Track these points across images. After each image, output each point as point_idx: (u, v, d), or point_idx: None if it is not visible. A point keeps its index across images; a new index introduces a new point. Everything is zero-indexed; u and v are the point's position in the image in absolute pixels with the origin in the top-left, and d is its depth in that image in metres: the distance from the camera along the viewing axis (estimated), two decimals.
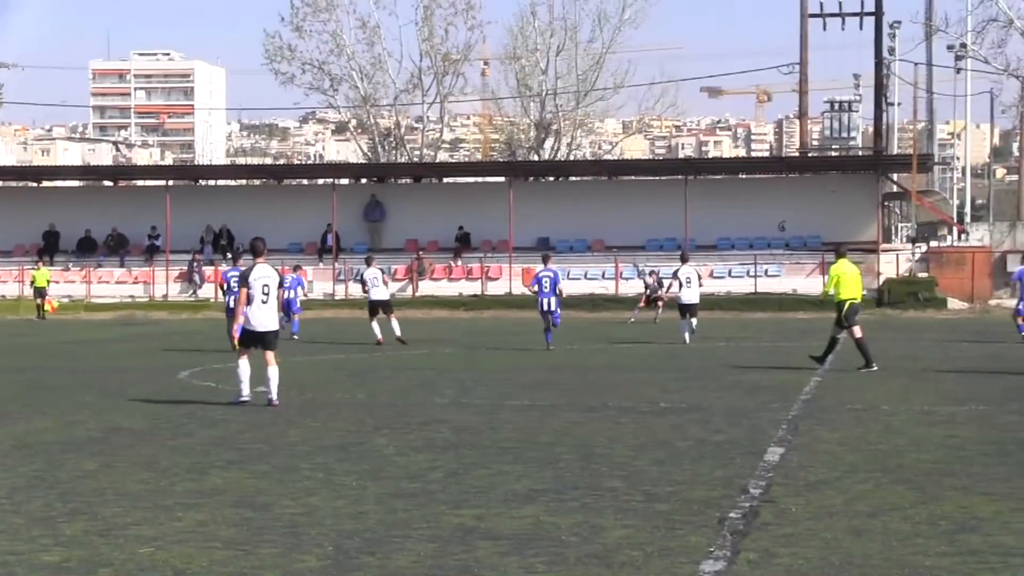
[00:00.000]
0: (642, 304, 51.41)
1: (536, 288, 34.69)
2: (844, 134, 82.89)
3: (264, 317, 20.60)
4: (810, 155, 76.95)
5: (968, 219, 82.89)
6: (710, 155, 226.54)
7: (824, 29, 74.58)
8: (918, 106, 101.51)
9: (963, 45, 76.53)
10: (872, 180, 63.16)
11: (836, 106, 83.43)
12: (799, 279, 59.30)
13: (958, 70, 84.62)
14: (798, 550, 10.20)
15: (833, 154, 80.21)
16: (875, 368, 26.23)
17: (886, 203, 68.95)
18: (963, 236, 64.68)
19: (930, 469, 14.01)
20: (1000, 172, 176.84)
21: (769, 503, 12.13)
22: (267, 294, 20.55)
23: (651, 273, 53.23)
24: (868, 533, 10.81)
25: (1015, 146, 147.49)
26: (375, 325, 36.65)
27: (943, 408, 19.85)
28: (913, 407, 19.94)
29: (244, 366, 20.60)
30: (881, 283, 58.30)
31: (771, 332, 40.67)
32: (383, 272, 39.77)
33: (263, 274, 20.65)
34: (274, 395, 20.32)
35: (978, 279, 58.82)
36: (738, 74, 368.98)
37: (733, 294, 58.57)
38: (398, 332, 35.84)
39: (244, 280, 20.66)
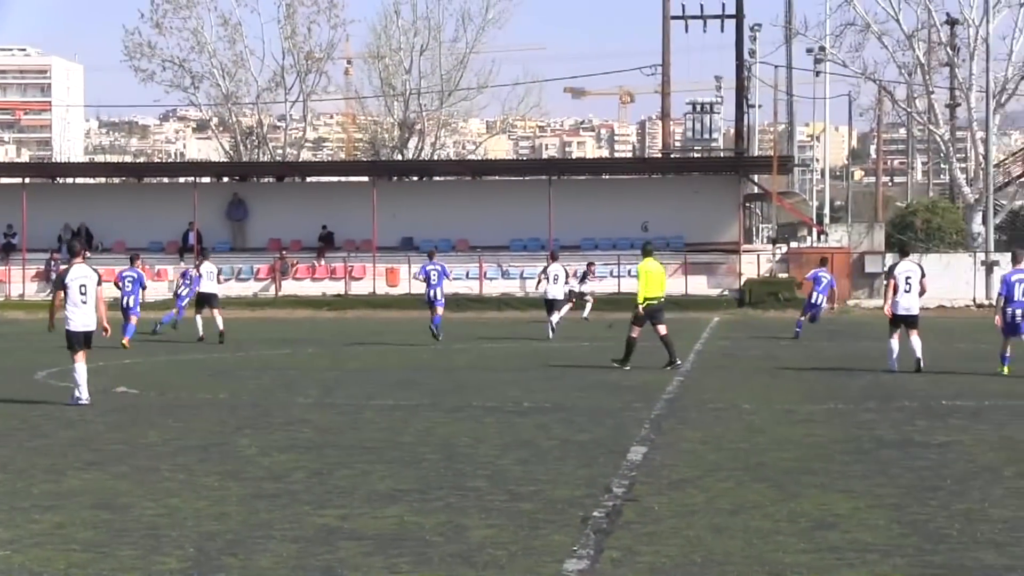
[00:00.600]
0: (570, 304, 51.20)
1: (423, 278, 36.89)
2: (706, 135, 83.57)
3: (84, 317, 20.51)
4: (673, 156, 77.56)
5: (827, 220, 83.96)
6: (574, 155, 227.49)
7: (686, 31, 75.28)
8: (778, 108, 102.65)
9: (822, 48, 77.53)
10: (733, 181, 63.80)
11: (698, 108, 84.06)
12: None
13: (817, 73, 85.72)
14: (660, 548, 10.26)
15: (695, 155, 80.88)
16: (679, 363, 26.78)
17: (747, 204, 69.64)
18: (822, 237, 65.51)
19: (790, 467, 14.17)
20: (858, 174, 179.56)
21: (632, 502, 12.19)
22: (84, 294, 20.45)
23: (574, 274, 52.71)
24: (729, 531, 10.90)
25: (872, 148, 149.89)
26: (199, 320, 37.30)
27: (803, 407, 20.09)
28: (774, 406, 20.16)
29: (80, 369, 20.38)
30: (742, 283, 58.90)
31: (625, 331, 40.81)
32: (219, 269, 40.46)
33: (80, 274, 20.59)
34: (83, 395, 20.17)
35: (837, 280, 59.53)
36: (601, 75, 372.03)
37: (597, 294, 58.82)
38: (221, 326, 36.23)
39: (60, 282, 20.61)
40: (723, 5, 72.69)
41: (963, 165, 74.75)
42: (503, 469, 14.13)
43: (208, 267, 38.33)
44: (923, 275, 26.73)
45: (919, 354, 25.87)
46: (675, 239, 61.85)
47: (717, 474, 13.76)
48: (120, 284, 35.67)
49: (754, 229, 78.42)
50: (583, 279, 51.50)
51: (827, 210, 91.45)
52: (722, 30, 74.04)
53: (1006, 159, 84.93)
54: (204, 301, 37.65)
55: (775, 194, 66.50)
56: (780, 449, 15.51)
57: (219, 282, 39.54)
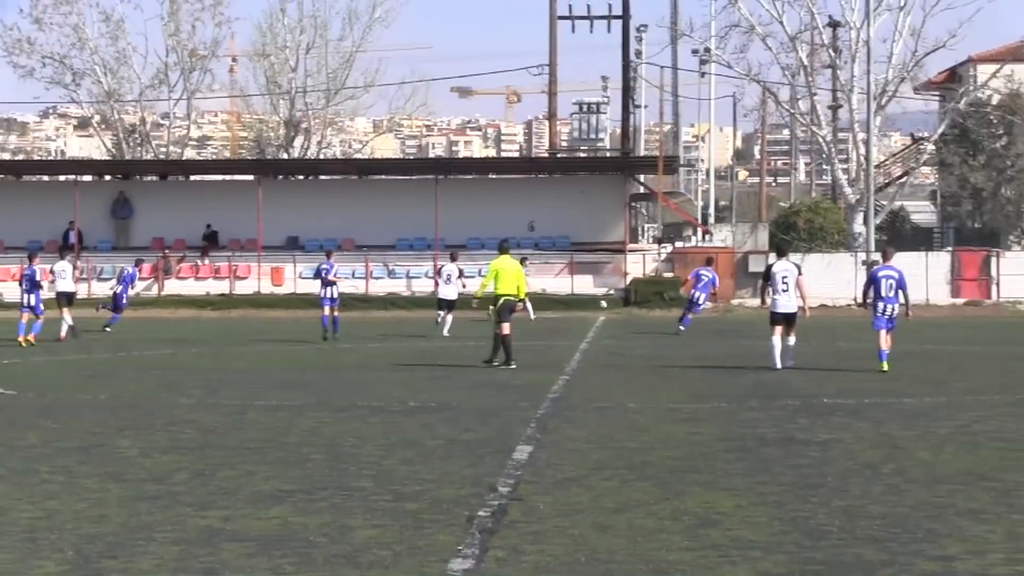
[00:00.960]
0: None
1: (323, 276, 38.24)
2: (592, 136, 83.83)
3: None
4: (559, 156, 77.74)
5: (712, 220, 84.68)
6: (460, 155, 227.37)
7: (573, 31, 75.58)
8: (664, 109, 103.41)
9: (707, 50, 78.16)
10: (620, 181, 64.10)
11: (584, 108, 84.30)
12: (548, 279, 59.82)
13: (702, 74, 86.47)
14: (545, 547, 10.27)
15: (582, 155, 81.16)
16: (513, 366, 26.68)
17: (633, 204, 70.03)
18: (707, 237, 66.03)
19: (674, 466, 14.24)
20: (742, 174, 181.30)
21: (518, 501, 12.20)
22: None
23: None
24: (613, 529, 10.94)
25: (756, 149, 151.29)
26: (67, 317, 37.14)
27: (687, 405, 20.22)
28: (658, 405, 20.27)
29: None
30: (628, 283, 59.22)
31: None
32: (73, 267, 40.21)
33: None
34: None
35: (721, 279, 60.00)
36: (488, 75, 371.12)
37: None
38: (69, 322, 36.36)
39: None
40: (609, 6, 73.07)
41: (845, 166, 75.56)
42: (388, 469, 14.08)
43: (61, 265, 37.95)
44: (800, 273, 27.04)
45: (790, 355, 26.24)
46: (561, 239, 62.07)
47: (602, 473, 13.80)
48: (22, 283, 35.87)
49: (640, 229, 78.93)
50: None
51: (712, 210, 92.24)
52: (608, 31, 74.45)
53: (886, 160, 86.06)
54: (61, 300, 37.28)
55: (661, 194, 66.94)
56: (664, 447, 15.59)
57: (75, 280, 39.41)
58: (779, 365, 26.02)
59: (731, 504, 12.01)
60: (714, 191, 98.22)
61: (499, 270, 27.32)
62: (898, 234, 79.75)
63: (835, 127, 78.11)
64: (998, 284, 59.91)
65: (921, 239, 79.50)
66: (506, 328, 27.03)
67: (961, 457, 14.81)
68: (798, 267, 27.33)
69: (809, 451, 15.31)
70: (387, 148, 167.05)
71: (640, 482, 13.21)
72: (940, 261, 60.97)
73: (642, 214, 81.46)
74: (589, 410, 19.60)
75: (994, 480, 13.29)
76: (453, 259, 41.84)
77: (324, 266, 38.12)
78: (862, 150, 66.54)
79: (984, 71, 72.35)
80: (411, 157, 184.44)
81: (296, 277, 60.65)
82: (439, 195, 60.49)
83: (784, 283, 26.64)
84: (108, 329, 40.55)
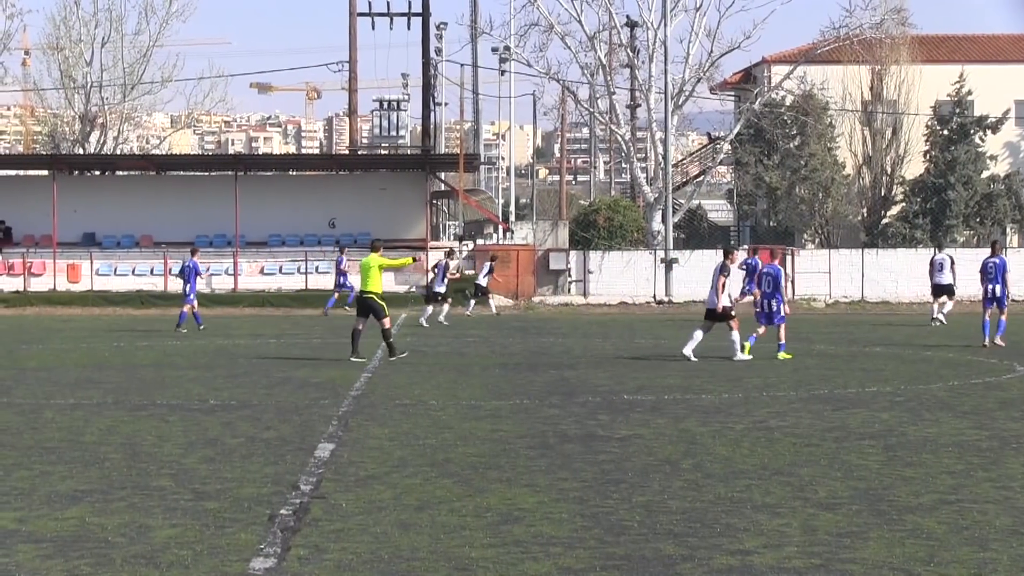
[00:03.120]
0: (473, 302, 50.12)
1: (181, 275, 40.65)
2: (393, 133, 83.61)
3: None
4: (360, 153, 77.52)
5: (513, 218, 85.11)
6: (260, 151, 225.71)
7: (373, 28, 75.45)
8: (465, 106, 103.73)
9: (507, 48, 78.46)
10: (421, 178, 64.11)
11: (385, 105, 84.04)
12: (350, 275, 59.70)
13: (502, 72, 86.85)
14: (348, 545, 10.25)
15: (383, 152, 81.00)
16: (364, 359, 27.53)
17: (434, 201, 70.12)
18: (508, 234, 66.36)
19: (476, 463, 14.30)
20: (543, 172, 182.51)
21: (319, 499, 12.15)
22: None
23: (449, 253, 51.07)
24: (416, 526, 10.95)
25: (556, 147, 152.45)
26: None
27: (489, 402, 20.30)
28: (460, 402, 20.33)
29: None
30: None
31: (322, 328, 40.78)
32: None
33: None
34: None
35: (522, 276, 60.45)
36: (288, 71, 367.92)
37: (284, 290, 58.55)
38: None
39: None
40: (409, 3, 73.00)
41: (643, 164, 76.50)
42: (188, 468, 13.93)
43: None
44: (722, 271, 28.53)
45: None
46: (363, 235, 61.85)
47: (404, 470, 13.81)
48: None
49: (441, 226, 79.01)
50: (489, 272, 50.71)
51: (512, 208, 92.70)
52: (409, 28, 74.45)
53: (684, 159, 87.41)
54: None
55: (462, 191, 67.12)
56: (466, 445, 15.65)
57: None
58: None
59: (533, 500, 12.09)
60: (514, 189, 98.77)
61: (363, 267, 28.51)
62: (695, 232, 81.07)
63: (634, 126, 79.04)
64: (793, 282, 61.09)
65: (718, 237, 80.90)
66: (386, 323, 28.15)
67: (757, 452, 15.09)
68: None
69: (609, 447, 15.48)
70: (185, 144, 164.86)
71: (442, 479, 13.24)
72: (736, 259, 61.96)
73: (443, 211, 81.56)
74: (391, 407, 19.59)
75: (789, 475, 13.57)
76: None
77: (188, 263, 40.21)
78: (660, 149, 67.43)
79: (778, 72, 73.77)
80: (210, 153, 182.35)
81: (93, 274, 59.63)
82: (239, 192, 59.94)
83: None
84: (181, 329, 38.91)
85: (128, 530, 10.76)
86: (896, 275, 62.18)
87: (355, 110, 75.87)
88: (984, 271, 33.46)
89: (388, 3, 73.35)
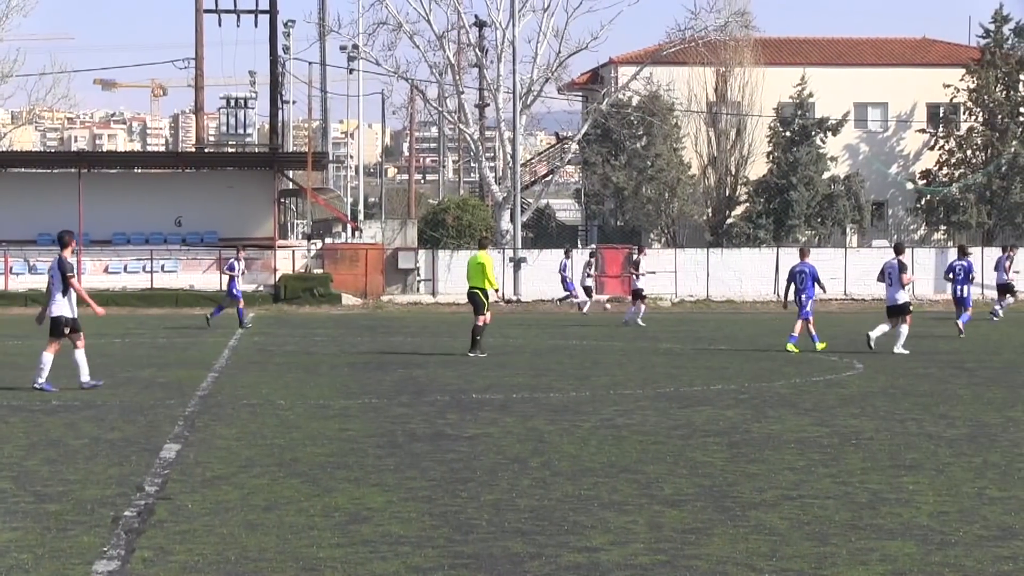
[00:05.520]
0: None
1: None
2: (240, 131, 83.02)
3: None
4: (207, 151, 76.81)
5: (361, 216, 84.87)
6: (104, 148, 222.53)
7: (220, 25, 74.74)
8: (313, 105, 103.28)
9: (355, 46, 78.24)
10: (268, 177, 63.66)
11: (232, 103, 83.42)
12: (196, 275, 59.22)
13: (351, 71, 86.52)
14: (194, 546, 10.17)
15: (230, 150, 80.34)
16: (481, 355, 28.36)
17: (282, 200, 69.72)
18: (357, 233, 66.19)
19: (324, 462, 14.26)
20: (392, 171, 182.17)
21: (165, 500, 12.04)
22: None
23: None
24: (263, 527, 10.89)
25: (405, 146, 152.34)
26: None
27: (337, 402, 20.24)
28: (308, 401, 20.24)
29: None
30: (277, 279, 58.87)
31: (168, 328, 40.37)
32: None
33: None
34: None
35: (371, 275, 60.35)
36: (133, 67, 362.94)
37: (129, 290, 57.83)
38: None
39: None
40: (256, 0, 72.46)
41: (492, 164, 76.76)
42: (29, 470, 13.72)
43: None
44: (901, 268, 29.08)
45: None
46: (209, 234, 61.37)
47: (251, 470, 13.72)
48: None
49: (289, 225, 78.64)
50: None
51: (361, 206, 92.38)
52: (256, 25, 73.82)
53: (533, 159, 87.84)
54: None
55: (310, 190, 66.80)
56: (315, 444, 15.59)
57: None
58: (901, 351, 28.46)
59: (381, 500, 12.08)
60: (363, 188, 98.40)
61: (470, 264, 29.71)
62: (544, 231, 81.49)
63: (482, 126, 79.28)
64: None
65: (566, 236, 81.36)
66: (480, 320, 28.97)
67: (605, 450, 15.21)
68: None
69: (458, 446, 15.51)
70: (27, 140, 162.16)
71: (290, 479, 13.18)
72: (583, 259, 62.40)
73: (291, 210, 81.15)
74: (238, 407, 19.45)
75: (636, 472, 13.70)
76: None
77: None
78: (509, 149, 67.68)
79: (625, 73, 74.45)
80: (52, 150, 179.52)
81: None
82: (82, 189, 59.12)
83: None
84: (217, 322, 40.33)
85: None
86: (740, 274, 63.11)
87: (202, 108, 75.13)
88: (952, 272, 35.94)
89: (235, 0, 72.73)
